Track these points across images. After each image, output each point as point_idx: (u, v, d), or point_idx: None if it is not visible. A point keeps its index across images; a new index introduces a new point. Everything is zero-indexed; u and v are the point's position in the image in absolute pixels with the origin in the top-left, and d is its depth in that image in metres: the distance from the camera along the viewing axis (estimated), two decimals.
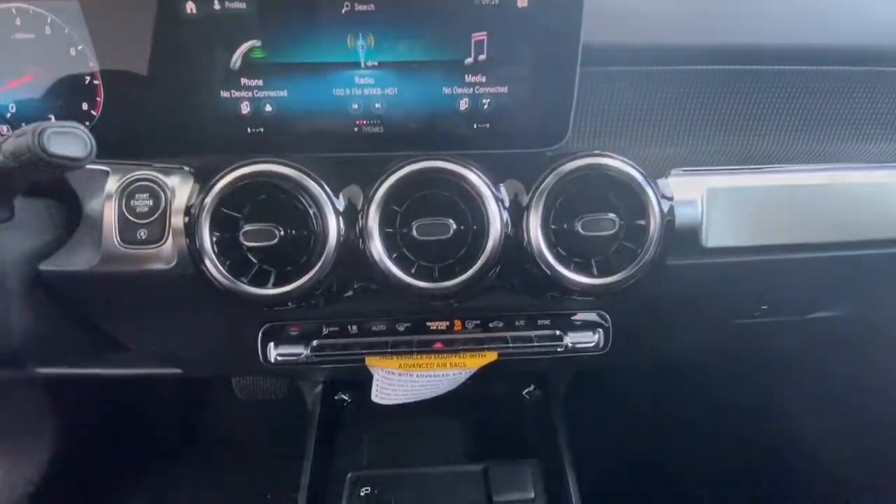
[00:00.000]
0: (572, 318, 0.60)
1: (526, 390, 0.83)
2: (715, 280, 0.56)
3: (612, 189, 0.49)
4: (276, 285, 0.47)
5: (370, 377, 0.63)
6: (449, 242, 0.48)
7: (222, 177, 0.45)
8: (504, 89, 0.52)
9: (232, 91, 0.50)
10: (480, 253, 0.47)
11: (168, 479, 1.35)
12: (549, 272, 0.47)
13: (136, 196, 0.47)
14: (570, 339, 0.60)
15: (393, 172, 0.47)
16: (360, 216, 0.48)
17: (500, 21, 0.49)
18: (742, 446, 0.98)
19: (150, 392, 1.42)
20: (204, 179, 0.48)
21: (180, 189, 0.48)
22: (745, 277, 0.56)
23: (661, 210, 0.47)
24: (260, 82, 0.50)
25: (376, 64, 0.50)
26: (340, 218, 0.47)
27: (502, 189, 0.49)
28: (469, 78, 0.51)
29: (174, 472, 1.36)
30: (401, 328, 0.59)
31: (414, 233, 0.47)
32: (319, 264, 0.46)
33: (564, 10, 0.48)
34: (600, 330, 0.60)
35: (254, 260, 0.48)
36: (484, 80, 0.51)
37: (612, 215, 0.48)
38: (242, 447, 1.45)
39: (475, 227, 0.48)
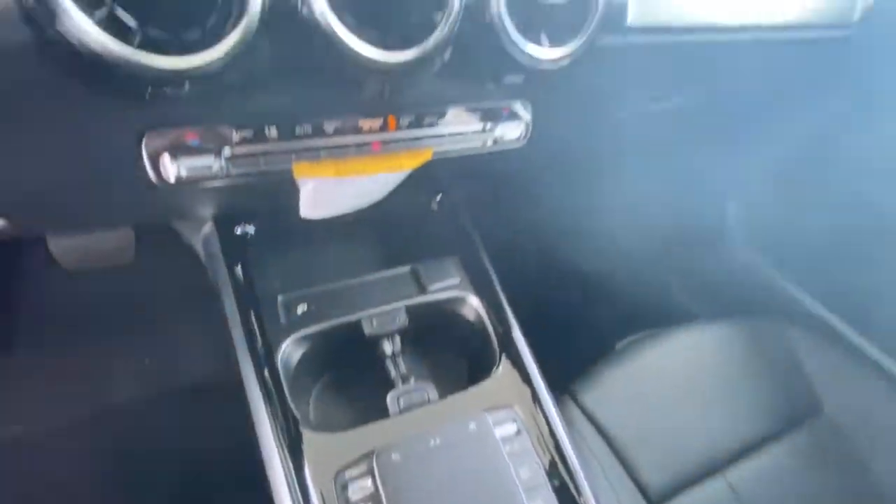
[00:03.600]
0: (501, 109, 0.61)
1: (436, 198, 0.86)
2: (634, 59, 0.61)
3: None
4: (182, 53, 0.34)
5: (280, 197, 0.56)
6: (402, 8, 0.40)
7: None
8: None
9: None
10: (441, 22, 0.41)
11: None
12: (506, 41, 0.45)
13: None
14: (499, 130, 0.61)
15: None
16: None
17: None
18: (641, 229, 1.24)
19: None
20: None
21: None
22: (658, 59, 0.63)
23: None
24: None
25: None
26: None
27: None
28: None
29: None
30: (329, 129, 0.52)
31: None
32: (245, 21, 0.35)
33: None
34: (523, 121, 0.63)
35: (129, 21, 0.33)
36: None
37: None
38: (86, 328, 1.23)
39: None
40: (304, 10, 0.38)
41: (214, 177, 0.48)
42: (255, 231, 0.75)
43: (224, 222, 0.73)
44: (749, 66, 0.78)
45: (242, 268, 0.70)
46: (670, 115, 0.82)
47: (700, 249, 1.32)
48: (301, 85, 0.47)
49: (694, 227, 1.27)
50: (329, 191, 0.57)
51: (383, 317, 0.67)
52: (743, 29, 0.64)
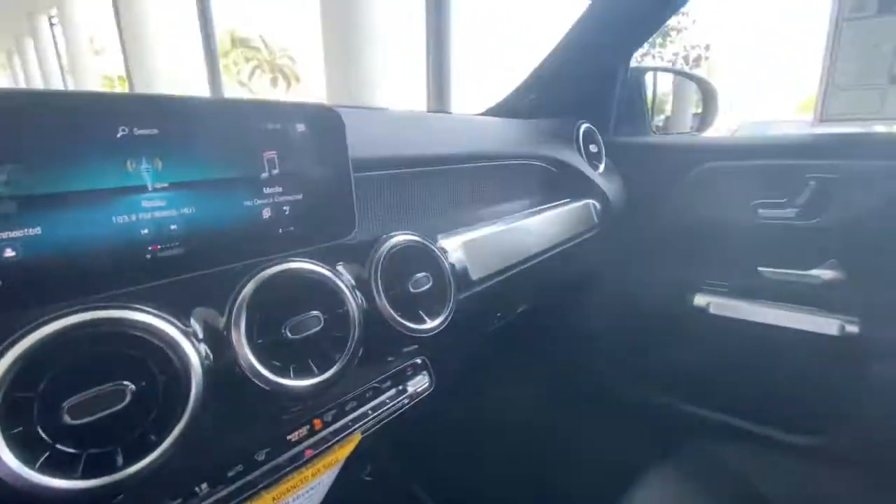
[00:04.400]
0: (405, 370, 0.70)
1: (365, 473, 0.83)
2: (482, 300, 0.80)
3: (422, 257, 0.64)
4: (134, 460, 0.35)
5: None
6: (316, 335, 0.50)
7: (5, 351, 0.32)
8: (299, 196, 0.59)
9: None
10: (350, 334, 0.52)
11: None
12: (399, 328, 0.58)
13: None
14: (411, 387, 0.69)
15: (249, 280, 0.46)
16: (227, 333, 0.43)
17: (286, 141, 0.57)
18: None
19: None
20: None
21: None
22: (496, 293, 0.83)
23: (449, 263, 0.67)
24: None
25: (167, 185, 0.48)
26: (201, 343, 0.41)
27: (344, 272, 0.56)
28: (267, 190, 0.56)
29: None
30: (260, 457, 0.52)
31: (287, 333, 0.47)
32: (190, 407, 0.38)
33: (333, 134, 0.61)
34: (425, 371, 0.73)
35: (69, 449, 0.34)
36: (280, 189, 0.57)
37: (425, 274, 0.63)
38: None
39: (339, 312, 0.52)
40: (237, 369, 0.44)
41: None
42: None
43: None
44: (555, 270, 1.08)
45: None
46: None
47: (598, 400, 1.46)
48: (232, 428, 0.49)
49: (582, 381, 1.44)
50: None
51: None
52: (538, 255, 0.92)
